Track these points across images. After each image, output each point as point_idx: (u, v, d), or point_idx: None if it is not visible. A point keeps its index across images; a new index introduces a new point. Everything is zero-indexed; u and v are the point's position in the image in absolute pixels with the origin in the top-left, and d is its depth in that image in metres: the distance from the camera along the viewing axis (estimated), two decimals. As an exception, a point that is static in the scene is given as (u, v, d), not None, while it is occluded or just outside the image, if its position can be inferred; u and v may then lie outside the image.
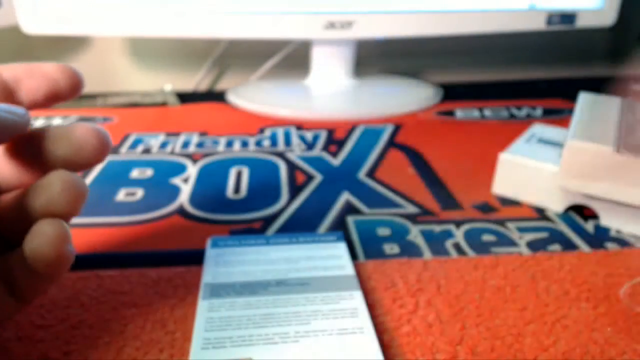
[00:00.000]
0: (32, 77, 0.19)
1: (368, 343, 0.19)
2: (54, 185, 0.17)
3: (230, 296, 0.22)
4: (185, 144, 0.42)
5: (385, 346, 0.20)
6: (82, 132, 0.18)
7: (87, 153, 0.18)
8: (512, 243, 0.28)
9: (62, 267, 0.17)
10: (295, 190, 0.34)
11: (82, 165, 0.18)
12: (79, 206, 0.17)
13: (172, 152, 0.40)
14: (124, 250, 0.27)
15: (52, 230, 0.16)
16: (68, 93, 0.20)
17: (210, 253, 0.25)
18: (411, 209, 0.31)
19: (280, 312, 0.21)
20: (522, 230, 0.29)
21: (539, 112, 0.50)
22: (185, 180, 0.35)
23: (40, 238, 0.16)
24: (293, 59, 0.61)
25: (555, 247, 0.27)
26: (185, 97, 0.56)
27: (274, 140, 0.43)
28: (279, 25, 0.48)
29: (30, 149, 0.18)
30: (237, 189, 0.34)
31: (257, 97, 0.53)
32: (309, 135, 0.44)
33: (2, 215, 0.19)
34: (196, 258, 0.26)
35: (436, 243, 0.28)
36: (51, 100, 0.20)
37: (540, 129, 0.36)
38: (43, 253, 0.16)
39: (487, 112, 0.50)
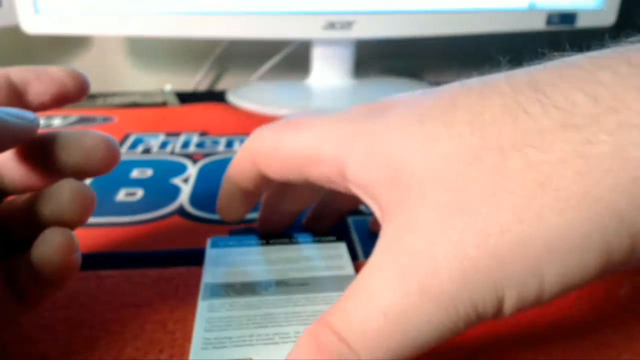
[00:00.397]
0: (40, 80, 0.20)
1: None
2: (62, 194, 0.17)
3: (231, 296, 0.22)
4: (185, 144, 0.42)
5: (385, 346, 0.20)
6: (93, 142, 0.18)
7: (97, 162, 0.18)
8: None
9: (68, 275, 0.17)
10: (295, 190, 0.34)
11: (90, 173, 0.18)
12: (87, 215, 0.18)
13: (172, 152, 0.40)
14: (124, 250, 0.27)
15: (60, 239, 0.17)
16: (75, 96, 0.20)
17: (211, 253, 0.25)
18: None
19: (280, 312, 0.21)
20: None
21: (539, 112, 0.50)
22: (185, 180, 0.35)
23: (47, 246, 0.17)
24: (293, 59, 0.61)
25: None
26: (185, 97, 0.56)
27: (274, 140, 0.43)
28: (279, 25, 0.49)
29: (40, 153, 0.18)
30: (237, 189, 0.34)
31: (257, 97, 0.53)
32: (309, 135, 0.44)
33: (11, 218, 0.19)
34: (196, 258, 0.26)
35: (436, 243, 0.28)
36: (58, 102, 0.20)
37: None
38: (50, 261, 0.17)
39: (487, 112, 0.50)
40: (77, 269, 0.18)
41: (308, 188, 0.25)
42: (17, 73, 0.19)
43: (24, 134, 0.17)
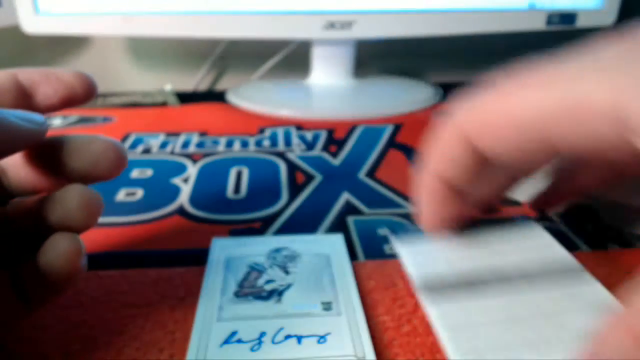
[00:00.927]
0: (48, 82, 0.20)
1: None
2: (70, 200, 0.17)
3: (457, 299, 0.20)
4: (185, 144, 0.42)
5: (385, 346, 0.20)
6: (101, 147, 0.18)
7: (104, 167, 0.18)
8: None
9: (74, 280, 0.17)
10: (295, 190, 0.34)
11: (98, 179, 0.19)
12: (94, 221, 0.18)
13: (172, 152, 0.40)
14: (124, 250, 0.27)
15: (67, 245, 0.17)
16: (83, 98, 0.20)
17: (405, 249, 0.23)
18: (411, 209, 0.31)
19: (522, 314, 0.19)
20: (522, 230, 0.29)
21: (539, 112, 0.50)
22: (185, 180, 0.35)
23: (55, 252, 0.17)
24: (293, 59, 0.61)
25: (556, 247, 0.27)
26: (185, 97, 0.56)
27: (274, 140, 0.43)
28: (279, 25, 0.48)
29: (48, 157, 0.18)
30: (237, 189, 0.34)
31: (257, 97, 0.53)
32: (309, 135, 0.44)
33: (18, 220, 0.19)
34: (196, 258, 0.26)
35: (436, 243, 0.28)
36: (66, 105, 0.20)
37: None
38: (57, 267, 0.17)
39: (487, 112, 0.50)
40: (82, 274, 0.18)
41: (517, 166, 0.20)
42: (26, 74, 0.19)
43: (33, 137, 0.17)
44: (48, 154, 0.18)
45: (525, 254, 0.21)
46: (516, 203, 0.31)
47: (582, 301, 0.19)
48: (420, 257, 0.22)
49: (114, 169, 0.18)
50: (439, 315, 0.19)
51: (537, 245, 0.22)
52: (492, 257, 0.21)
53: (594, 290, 0.20)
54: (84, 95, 0.20)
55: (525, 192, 0.24)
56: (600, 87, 0.15)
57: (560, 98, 0.15)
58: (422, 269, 0.22)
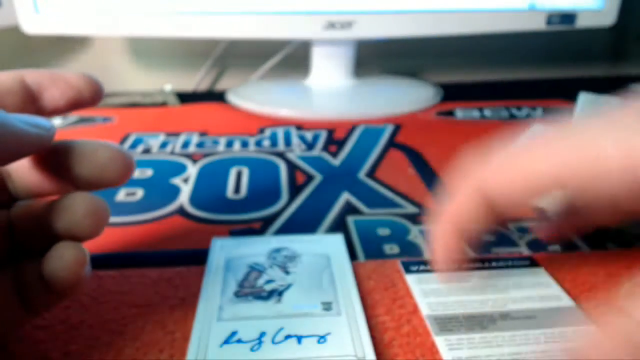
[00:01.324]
0: (55, 85, 0.19)
1: None
2: (76, 209, 0.17)
3: (462, 332, 0.21)
4: (185, 144, 0.42)
5: (385, 346, 0.20)
6: (108, 154, 0.18)
7: (111, 175, 0.18)
8: (512, 243, 0.28)
9: (78, 288, 0.18)
10: (295, 190, 0.34)
11: (104, 185, 0.18)
12: (100, 230, 0.18)
13: (172, 152, 0.40)
14: (124, 250, 0.27)
15: (72, 255, 0.17)
16: (89, 102, 0.20)
17: (411, 279, 0.24)
18: (411, 209, 0.31)
19: (525, 351, 0.20)
20: (522, 230, 0.29)
21: (539, 112, 0.50)
22: (185, 180, 0.35)
23: (59, 262, 0.17)
24: (293, 59, 0.61)
25: (555, 247, 0.27)
26: (185, 97, 0.56)
27: (274, 140, 0.43)
28: (279, 25, 0.48)
29: (54, 162, 0.18)
30: (237, 189, 0.34)
31: (257, 97, 0.53)
32: (309, 135, 0.44)
33: (23, 225, 0.19)
34: (196, 258, 0.26)
35: (436, 243, 0.28)
36: (72, 108, 0.20)
37: (540, 129, 0.36)
38: (61, 276, 0.17)
39: (487, 112, 0.50)
40: (86, 282, 0.18)
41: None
42: (33, 76, 0.19)
43: (40, 143, 0.17)
44: (54, 159, 0.18)
45: (530, 303, 0.22)
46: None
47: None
48: (429, 289, 0.23)
49: (121, 177, 0.18)
50: (446, 345, 0.20)
51: (544, 295, 0.23)
52: (497, 304, 0.22)
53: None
54: (90, 98, 0.20)
55: (551, 202, 0.26)
56: (616, 146, 0.17)
57: (578, 152, 0.17)
58: (430, 299, 0.23)
